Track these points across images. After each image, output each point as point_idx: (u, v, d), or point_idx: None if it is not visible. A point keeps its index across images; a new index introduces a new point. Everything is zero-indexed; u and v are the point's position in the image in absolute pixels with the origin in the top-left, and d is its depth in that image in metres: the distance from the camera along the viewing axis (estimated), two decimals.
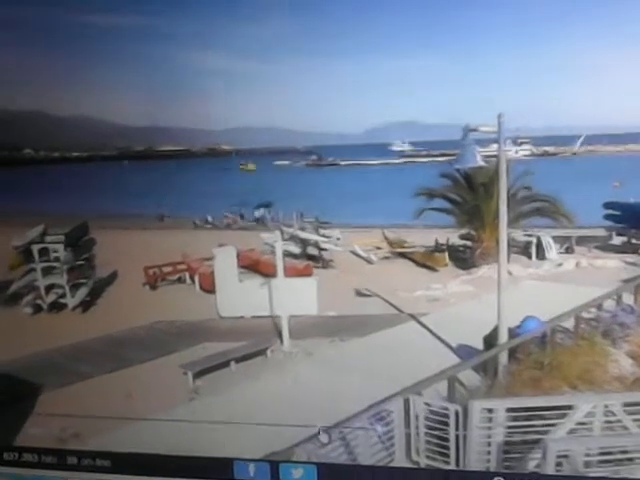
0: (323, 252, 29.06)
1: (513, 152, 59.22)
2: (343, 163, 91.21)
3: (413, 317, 20.41)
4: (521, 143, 70.38)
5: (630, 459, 9.08)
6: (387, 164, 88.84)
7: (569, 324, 15.05)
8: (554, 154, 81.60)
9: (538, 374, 12.31)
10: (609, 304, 16.44)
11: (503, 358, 13.75)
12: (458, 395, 12.00)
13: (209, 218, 45.72)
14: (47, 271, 23.13)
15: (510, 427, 9.90)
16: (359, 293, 24.36)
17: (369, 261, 29.64)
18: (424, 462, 10.53)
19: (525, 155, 67.54)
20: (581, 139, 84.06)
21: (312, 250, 29.32)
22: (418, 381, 13.15)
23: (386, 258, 30.23)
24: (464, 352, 16.39)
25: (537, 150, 76.95)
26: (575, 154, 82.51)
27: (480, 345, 15.63)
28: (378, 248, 31.27)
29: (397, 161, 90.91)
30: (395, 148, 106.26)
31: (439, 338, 18.09)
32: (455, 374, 12.55)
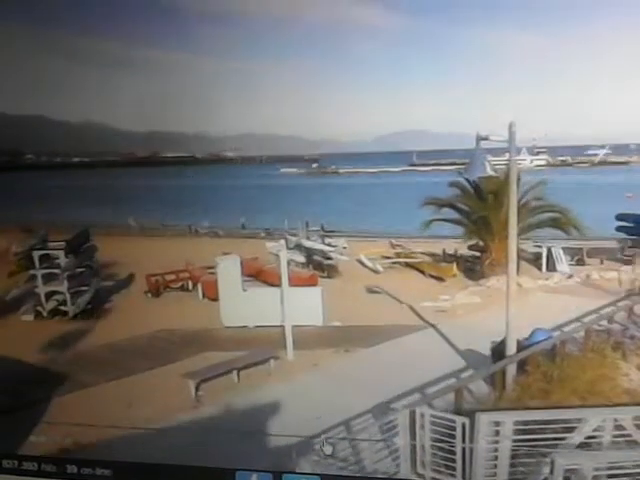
0: (329, 261, 28.89)
1: (528, 162, 58.93)
2: (342, 171, 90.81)
3: (427, 326, 20.34)
4: (537, 152, 69.90)
5: None
6: (394, 172, 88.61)
7: (579, 336, 14.91)
8: (571, 164, 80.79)
9: (547, 386, 12.16)
10: (620, 316, 16.29)
11: (512, 370, 13.59)
12: (466, 404, 11.86)
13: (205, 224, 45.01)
14: (48, 278, 22.98)
15: (518, 440, 9.75)
16: (370, 290, 24.87)
17: (375, 271, 29.45)
18: (430, 475, 10.38)
19: (540, 165, 67.00)
20: (605, 149, 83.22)
21: (317, 259, 29.16)
22: (421, 389, 13.09)
23: (393, 268, 30.07)
24: (471, 364, 16.23)
25: (554, 160, 76.21)
26: (596, 164, 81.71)
27: (487, 357, 15.47)
28: (386, 257, 31.12)
29: (399, 169, 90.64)
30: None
31: (445, 350, 17.94)
32: (462, 386, 12.43)
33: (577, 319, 18.60)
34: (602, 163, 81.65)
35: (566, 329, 16.76)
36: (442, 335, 19.37)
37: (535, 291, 24.16)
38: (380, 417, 11.18)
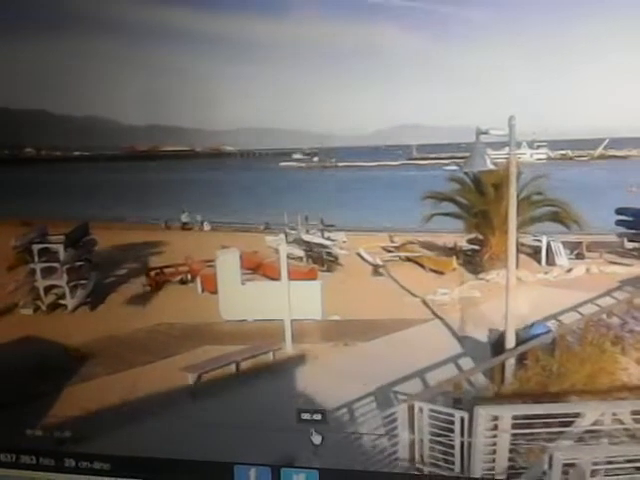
0: (329, 256, 28.86)
1: (528, 155, 58.64)
2: (342, 165, 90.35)
3: (427, 319, 20.40)
4: (538, 146, 69.45)
5: (638, 468, 8.91)
6: (393, 166, 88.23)
7: (578, 330, 14.90)
8: (571, 158, 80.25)
9: (546, 380, 12.16)
10: (619, 310, 16.29)
11: (510, 364, 13.59)
12: (465, 394, 11.90)
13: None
14: (47, 271, 22.94)
15: (516, 434, 9.74)
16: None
17: (375, 265, 29.40)
18: (428, 469, 10.36)
19: (540, 159, 66.59)
20: (604, 143, 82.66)
21: (318, 253, 29.12)
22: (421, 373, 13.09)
23: (392, 262, 30.00)
24: (470, 357, 16.25)
25: (554, 154, 75.65)
26: (595, 158, 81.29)
27: (487, 351, 15.50)
28: (387, 251, 31.07)
29: (399, 163, 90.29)
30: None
31: (445, 343, 17.94)
32: (461, 380, 12.47)
33: (575, 309, 18.69)
34: (602, 157, 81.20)
35: (565, 322, 16.79)
36: (442, 329, 19.39)
37: (535, 285, 24.12)
38: (382, 402, 11.23)
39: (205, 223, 42.04)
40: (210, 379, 15.93)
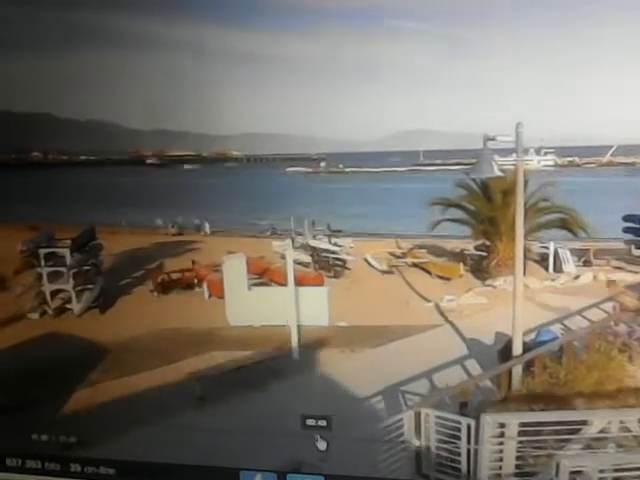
0: (335, 261, 28.84)
1: (535, 162, 58.51)
2: (349, 170, 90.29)
3: (434, 326, 20.37)
4: (545, 153, 69.27)
5: None
6: (400, 172, 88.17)
7: (586, 338, 14.87)
8: (578, 165, 79.96)
9: (553, 388, 12.12)
10: (627, 318, 16.25)
11: (517, 371, 13.57)
12: (472, 401, 11.88)
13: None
14: (53, 276, 23.01)
15: (523, 442, 9.71)
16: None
17: (382, 271, 29.38)
18: (435, 476, 10.35)
19: (548, 165, 66.39)
20: (612, 149, 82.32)
21: (325, 259, 29.10)
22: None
23: (400, 268, 29.97)
24: (477, 364, 16.22)
25: (561, 160, 75.39)
26: (603, 165, 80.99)
27: (494, 358, 15.48)
28: (394, 256, 31.03)
29: (406, 169, 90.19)
30: None
31: (453, 349, 17.90)
32: (468, 386, 12.45)
33: (582, 316, 18.67)
34: (610, 164, 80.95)
35: (572, 329, 16.77)
36: (449, 335, 19.35)
37: (542, 292, 24.06)
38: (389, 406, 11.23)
39: (208, 226, 42.22)
40: (216, 384, 15.90)
